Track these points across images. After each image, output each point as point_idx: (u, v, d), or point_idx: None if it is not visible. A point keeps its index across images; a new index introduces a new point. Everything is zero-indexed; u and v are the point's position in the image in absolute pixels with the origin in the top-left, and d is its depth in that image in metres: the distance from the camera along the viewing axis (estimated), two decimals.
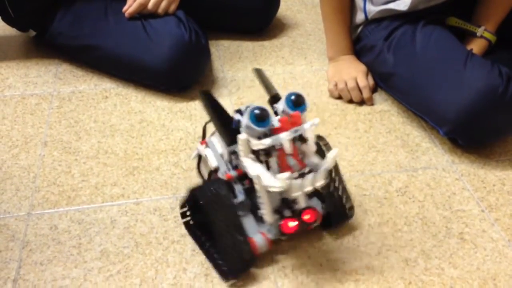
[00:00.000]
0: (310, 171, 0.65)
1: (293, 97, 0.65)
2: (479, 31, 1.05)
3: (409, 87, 0.99)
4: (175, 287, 0.70)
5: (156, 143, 0.96)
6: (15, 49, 1.24)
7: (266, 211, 0.68)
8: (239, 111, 0.69)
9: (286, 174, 0.62)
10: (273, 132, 0.64)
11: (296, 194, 0.64)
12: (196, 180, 0.87)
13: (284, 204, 0.70)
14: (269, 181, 0.62)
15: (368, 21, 1.11)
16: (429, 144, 0.98)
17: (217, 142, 0.76)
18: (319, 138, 0.77)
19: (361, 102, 1.09)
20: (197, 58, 1.08)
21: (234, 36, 1.32)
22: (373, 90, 1.11)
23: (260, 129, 0.63)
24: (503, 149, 0.98)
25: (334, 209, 0.75)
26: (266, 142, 0.62)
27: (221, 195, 0.68)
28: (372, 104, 1.09)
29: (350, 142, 0.99)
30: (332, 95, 1.11)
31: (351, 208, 0.77)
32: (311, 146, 0.66)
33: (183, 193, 0.85)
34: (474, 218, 0.83)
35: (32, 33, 1.20)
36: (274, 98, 0.72)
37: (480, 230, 0.81)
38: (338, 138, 0.99)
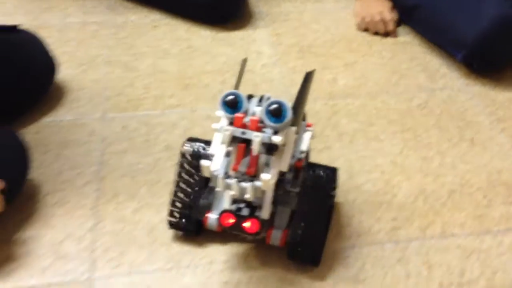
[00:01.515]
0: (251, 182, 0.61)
1: (272, 107, 0.57)
2: None
3: (431, 16, 1.11)
4: None
5: (204, 65, 1.09)
6: None
7: (226, 196, 0.66)
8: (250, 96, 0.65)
9: (208, 162, 0.60)
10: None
11: (219, 188, 0.62)
12: None
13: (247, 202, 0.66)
14: (205, 161, 0.61)
15: None
16: (447, 70, 1.10)
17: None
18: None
19: (386, 34, 1.20)
20: None
21: None
22: (397, 24, 1.22)
23: (227, 114, 0.61)
24: None
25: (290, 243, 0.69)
26: (215, 125, 0.61)
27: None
28: (396, 36, 1.20)
29: (376, 67, 1.11)
30: (359, 28, 1.22)
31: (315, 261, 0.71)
32: (274, 162, 0.61)
33: None
34: (484, 127, 0.95)
35: None
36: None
37: (489, 136, 0.93)
38: (365, 64, 1.11)
